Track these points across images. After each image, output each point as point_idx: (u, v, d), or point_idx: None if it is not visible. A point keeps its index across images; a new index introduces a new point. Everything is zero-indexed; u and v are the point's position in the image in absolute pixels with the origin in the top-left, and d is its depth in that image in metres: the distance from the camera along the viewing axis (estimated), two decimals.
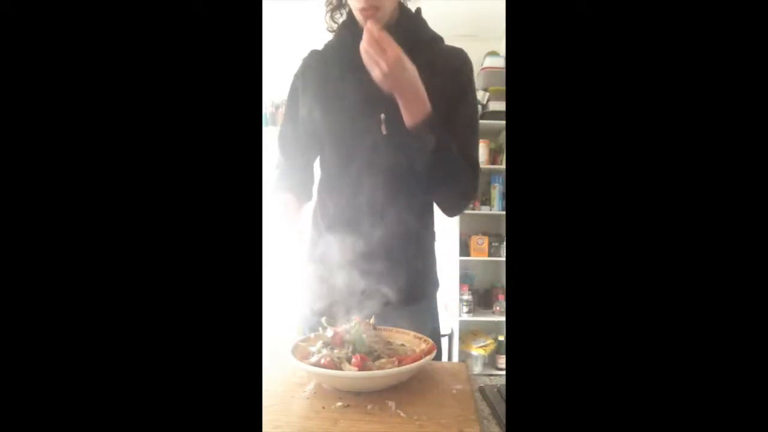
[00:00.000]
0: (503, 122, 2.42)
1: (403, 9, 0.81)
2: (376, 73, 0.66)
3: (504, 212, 2.47)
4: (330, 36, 0.84)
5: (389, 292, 0.75)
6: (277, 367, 0.68)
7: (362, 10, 0.71)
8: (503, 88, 2.46)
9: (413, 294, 0.82)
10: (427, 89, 0.69)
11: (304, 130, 0.83)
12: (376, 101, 0.73)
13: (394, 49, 0.64)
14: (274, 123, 2.69)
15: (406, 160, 0.74)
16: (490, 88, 2.50)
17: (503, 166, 2.48)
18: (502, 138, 2.58)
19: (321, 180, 0.87)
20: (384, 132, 0.76)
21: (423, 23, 0.82)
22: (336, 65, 0.80)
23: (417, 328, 0.75)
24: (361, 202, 0.77)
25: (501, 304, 2.49)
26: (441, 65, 0.77)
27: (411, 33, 0.77)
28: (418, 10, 0.82)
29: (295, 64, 0.88)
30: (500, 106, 2.45)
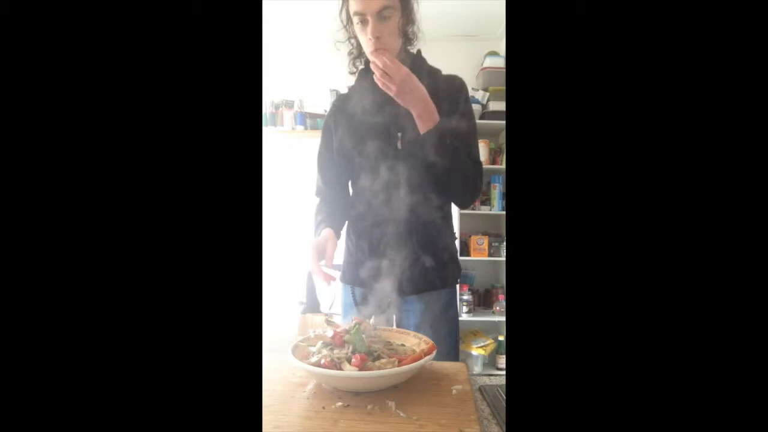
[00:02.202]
0: (503, 122, 2.41)
1: (407, 52, 1.00)
2: (391, 93, 0.83)
3: (504, 212, 2.47)
4: (351, 78, 1.07)
5: (418, 275, 0.93)
6: (277, 367, 0.68)
7: (373, 52, 0.89)
8: (503, 88, 2.45)
9: (439, 279, 0.97)
10: (438, 110, 0.87)
11: (339, 159, 1.02)
12: (394, 125, 0.93)
13: (402, 72, 0.82)
14: (273, 123, 2.69)
15: (422, 165, 0.91)
16: (490, 88, 2.50)
17: (503, 166, 2.48)
18: (502, 138, 2.58)
19: (352, 197, 1.05)
20: (399, 147, 0.94)
21: (423, 60, 1.02)
22: (360, 103, 0.99)
23: (439, 312, 0.94)
24: (386, 206, 0.94)
25: (501, 304, 2.49)
26: (444, 90, 0.95)
27: (416, 69, 0.93)
28: (419, 51, 1.02)
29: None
30: (500, 106, 2.45)
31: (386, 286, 0.89)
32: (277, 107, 2.71)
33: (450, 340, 0.98)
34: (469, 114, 0.99)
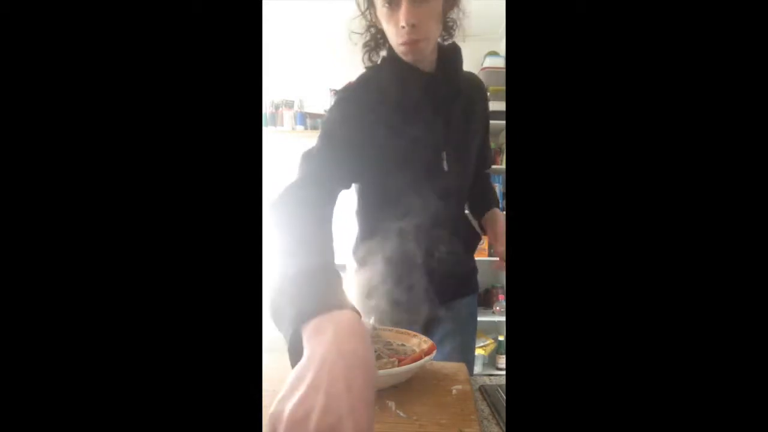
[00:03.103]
0: (503, 122, 2.42)
1: (439, 45, 0.80)
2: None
3: (504, 212, 2.47)
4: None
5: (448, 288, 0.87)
6: (277, 367, 0.67)
7: (403, 43, 0.71)
8: (503, 88, 2.46)
9: (467, 289, 0.96)
10: (472, 116, 0.81)
11: (351, 176, 0.78)
12: (438, 142, 0.79)
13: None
14: (273, 123, 2.69)
15: (462, 187, 0.86)
16: (490, 88, 2.50)
17: (503, 166, 2.48)
18: (502, 138, 2.58)
19: (366, 206, 0.87)
20: (446, 168, 0.80)
21: (459, 61, 0.82)
22: (385, 99, 0.77)
23: (467, 318, 0.94)
24: (414, 220, 0.78)
25: (501, 304, 2.49)
26: (475, 94, 0.85)
27: (447, 71, 0.79)
28: (454, 44, 0.81)
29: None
30: (500, 106, 2.45)
31: (420, 297, 0.80)
32: (277, 107, 2.71)
33: (473, 344, 0.98)
34: (488, 120, 0.94)
